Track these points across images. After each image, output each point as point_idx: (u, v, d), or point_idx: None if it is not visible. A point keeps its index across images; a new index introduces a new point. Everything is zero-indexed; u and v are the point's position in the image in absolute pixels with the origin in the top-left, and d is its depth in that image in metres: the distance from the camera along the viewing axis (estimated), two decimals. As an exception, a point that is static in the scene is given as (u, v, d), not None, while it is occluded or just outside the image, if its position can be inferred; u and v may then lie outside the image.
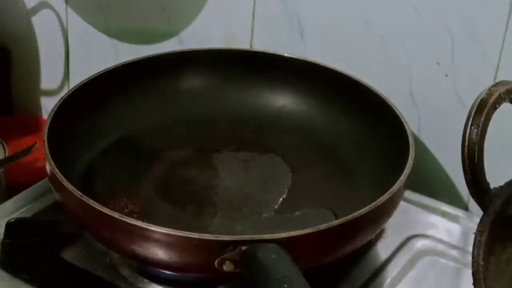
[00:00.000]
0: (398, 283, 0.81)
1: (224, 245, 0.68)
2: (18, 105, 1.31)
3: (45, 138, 0.80)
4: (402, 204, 0.80)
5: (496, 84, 0.66)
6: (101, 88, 0.92)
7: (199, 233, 0.74)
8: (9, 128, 1.25)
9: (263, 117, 0.97)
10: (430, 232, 0.87)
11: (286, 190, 0.87)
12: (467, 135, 0.65)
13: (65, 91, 1.19)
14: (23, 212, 0.87)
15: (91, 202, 0.72)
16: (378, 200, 0.74)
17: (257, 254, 0.65)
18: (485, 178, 0.66)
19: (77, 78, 1.17)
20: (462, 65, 0.89)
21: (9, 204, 0.89)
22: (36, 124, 1.27)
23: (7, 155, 1.06)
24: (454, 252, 0.85)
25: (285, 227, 0.79)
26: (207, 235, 0.69)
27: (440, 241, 0.86)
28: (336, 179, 0.88)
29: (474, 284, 0.60)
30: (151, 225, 0.70)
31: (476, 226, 0.67)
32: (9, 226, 0.82)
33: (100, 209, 0.71)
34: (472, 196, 0.67)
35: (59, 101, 0.87)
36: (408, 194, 0.85)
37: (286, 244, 0.68)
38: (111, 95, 0.94)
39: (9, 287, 0.78)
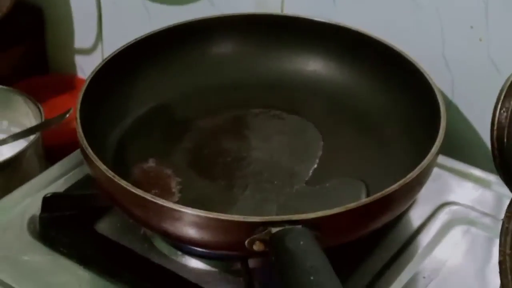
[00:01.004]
0: (430, 253, 0.81)
1: (253, 226, 0.69)
2: (53, 64, 1.32)
3: (78, 116, 0.81)
4: (434, 169, 0.80)
5: (527, 65, 0.65)
6: (133, 57, 0.92)
7: (229, 211, 0.76)
8: (45, 87, 1.27)
9: (294, 82, 0.97)
10: (462, 199, 0.87)
11: (317, 159, 0.87)
12: (496, 118, 0.64)
13: (99, 50, 1.21)
14: (59, 185, 0.89)
15: (123, 183, 0.73)
16: (408, 176, 0.73)
17: (285, 240, 0.65)
18: (514, 162, 0.65)
19: (110, 37, 1.19)
20: (497, 30, 0.87)
21: (44, 176, 0.90)
22: (71, 83, 1.29)
23: (43, 118, 1.08)
24: (486, 220, 0.85)
25: (316, 200, 0.81)
26: (236, 216, 0.70)
27: (473, 208, 0.86)
28: (367, 147, 0.88)
29: (500, 273, 0.60)
30: (181, 206, 0.71)
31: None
32: (45, 200, 0.83)
33: (132, 189, 0.72)
34: (502, 179, 0.66)
35: (91, 73, 0.87)
36: (440, 159, 0.84)
37: (315, 224, 0.69)
38: (143, 64, 0.94)
39: (47, 260, 0.80)
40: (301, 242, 0.65)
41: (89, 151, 0.76)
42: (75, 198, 0.85)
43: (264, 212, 0.80)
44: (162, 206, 0.71)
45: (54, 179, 0.90)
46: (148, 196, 0.71)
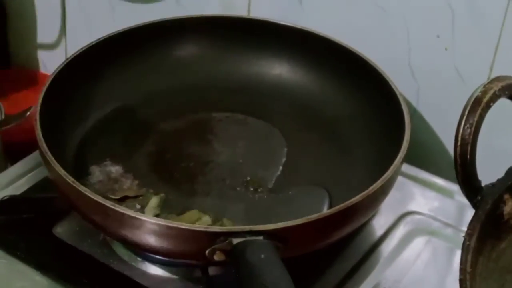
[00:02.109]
0: (391, 264, 0.81)
1: (214, 236, 0.68)
2: (15, 59, 1.30)
3: (37, 118, 0.79)
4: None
5: (491, 81, 0.65)
6: (95, 57, 0.91)
7: (190, 222, 0.75)
8: (6, 81, 1.25)
9: (259, 86, 0.96)
10: (425, 209, 0.87)
11: (281, 166, 0.86)
12: (460, 134, 0.63)
13: (62, 46, 1.19)
14: (18, 186, 0.87)
15: (82, 189, 0.71)
16: (371, 187, 0.73)
17: (246, 252, 0.65)
18: (476, 177, 0.65)
19: (74, 33, 1.17)
20: (462, 40, 0.87)
21: (3, 177, 0.89)
22: (34, 78, 1.27)
23: (3, 115, 1.06)
24: (448, 231, 0.85)
25: (278, 209, 0.81)
26: (197, 226, 0.70)
27: (435, 218, 0.86)
28: (331, 154, 0.88)
29: (460, 291, 0.60)
30: (141, 215, 0.70)
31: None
32: (2, 203, 0.82)
33: (91, 196, 0.71)
34: (464, 195, 0.66)
35: (52, 73, 0.86)
36: (403, 167, 0.84)
37: (277, 235, 0.68)
38: (106, 64, 0.92)
39: (3, 265, 0.78)
40: (262, 256, 0.64)
41: (49, 155, 0.75)
42: (33, 201, 0.84)
43: (226, 219, 0.79)
44: (122, 214, 0.70)
45: (12, 180, 0.88)
46: (108, 204, 0.70)
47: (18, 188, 0.87)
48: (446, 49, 0.89)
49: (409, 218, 0.86)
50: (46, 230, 0.81)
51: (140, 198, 0.81)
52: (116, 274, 0.78)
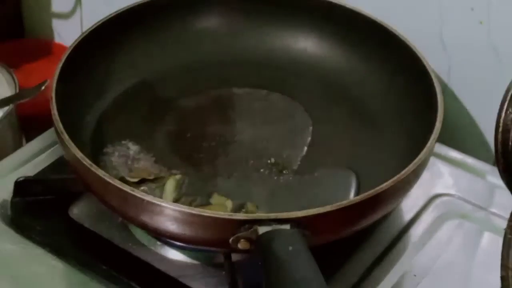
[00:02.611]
0: (421, 249, 0.78)
1: (238, 223, 0.65)
2: (29, 29, 1.26)
3: (53, 95, 0.76)
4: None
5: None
6: (113, 31, 0.87)
7: (213, 208, 0.73)
8: (20, 52, 1.22)
9: (283, 60, 0.92)
10: (455, 190, 0.83)
11: (306, 146, 0.83)
12: (502, 119, 0.59)
13: (77, 15, 1.16)
14: (32, 166, 0.84)
15: (100, 173, 0.68)
16: (403, 172, 0.69)
17: (273, 244, 0.61)
18: (519, 166, 0.62)
19: (90, 1, 1.13)
20: (498, 13, 0.83)
21: (17, 156, 0.85)
22: (48, 48, 1.23)
23: (17, 89, 1.02)
24: (480, 214, 0.81)
25: (304, 192, 0.78)
26: (221, 213, 0.66)
27: (466, 200, 0.82)
28: (359, 134, 0.84)
29: (501, 288, 0.57)
30: (162, 200, 0.67)
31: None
32: (17, 185, 0.79)
33: (109, 180, 0.67)
34: (505, 184, 0.62)
35: (68, 49, 0.82)
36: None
37: (304, 223, 0.65)
38: (124, 38, 0.89)
39: (18, 249, 0.76)
40: (291, 248, 0.61)
41: (65, 136, 0.71)
42: (48, 182, 0.80)
43: (250, 204, 0.75)
44: (142, 200, 0.66)
45: (27, 160, 0.85)
46: (126, 188, 0.67)
47: (36, 166, 0.84)
48: (481, 23, 0.84)
49: (438, 201, 0.82)
50: (63, 212, 0.79)
51: (159, 180, 0.77)
52: (135, 260, 0.75)
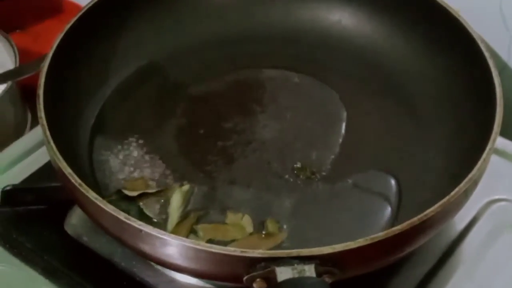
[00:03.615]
0: (476, 266, 0.67)
1: (253, 261, 0.54)
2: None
3: (41, 92, 0.64)
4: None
5: None
6: (116, 7, 0.76)
7: (227, 229, 0.64)
8: (27, 11, 1.11)
9: (313, 35, 0.80)
10: (516, 195, 0.72)
11: (339, 145, 0.71)
12: None
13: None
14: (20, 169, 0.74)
15: (92, 195, 0.57)
16: (452, 193, 0.57)
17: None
18: None
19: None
20: None
21: (6, 156, 0.75)
22: (58, 7, 1.12)
23: (17, 63, 0.92)
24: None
25: (335, 206, 0.67)
26: (231, 249, 0.55)
27: (529, 208, 0.71)
28: (401, 129, 0.72)
29: None
30: (161, 232, 0.55)
31: None
32: (5, 194, 0.69)
33: (102, 205, 0.57)
34: None
35: (65, 28, 0.71)
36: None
37: (332, 259, 0.54)
38: (129, 15, 0.78)
39: (6, 269, 0.66)
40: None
41: (52, 145, 0.60)
42: (40, 191, 0.70)
43: (270, 221, 0.64)
44: (140, 230, 0.56)
45: (15, 161, 0.75)
46: (121, 216, 0.56)
47: (25, 169, 0.74)
48: (548, -4, 0.71)
49: (495, 207, 0.71)
50: (57, 225, 0.69)
51: (163, 192, 0.66)
52: (139, 285, 0.65)
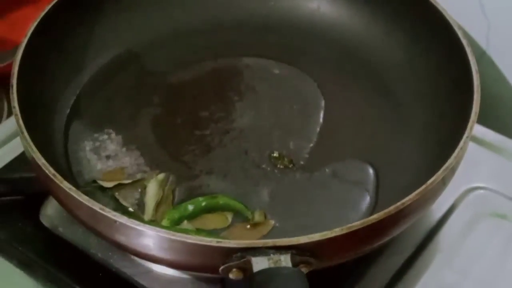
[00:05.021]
0: (453, 256, 0.67)
1: (229, 252, 0.54)
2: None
3: (14, 82, 0.63)
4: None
5: None
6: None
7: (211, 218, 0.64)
8: (3, -2, 1.09)
9: (292, 22, 0.80)
10: (493, 183, 0.72)
11: (316, 134, 0.70)
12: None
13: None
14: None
15: (65, 186, 0.57)
16: (429, 182, 0.57)
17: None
18: None
19: None
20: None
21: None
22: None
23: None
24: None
25: (313, 195, 0.66)
26: (207, 239, 0.54)
27: (506, 196, 0.71)
28: (379, 117, 0.72)
29: None
30: (137, 223, 0.55)
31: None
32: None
33: (76, 196, 0.56)
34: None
35: (39, 17, 0.70)
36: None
37: (308, 249, 0.54)
38: (105, 4, 0.77)
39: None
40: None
41: (26, 135, 0.60)
42: (15, 181, 0.69)
43: (258, 212, 0.64)
44: (114, 221, 0.55)
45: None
46: (96, 207, 0.55)
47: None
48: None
49: (473, 196, 0.71)
50: (32, 217, 0.68)
51: (139, 182, 0.66)
52: (116, 276, 0.64)
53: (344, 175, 0.67)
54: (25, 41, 0.68)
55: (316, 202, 0.65)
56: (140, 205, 0.65)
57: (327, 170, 0.67)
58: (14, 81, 0.64)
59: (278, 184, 0.66)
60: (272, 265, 0.53)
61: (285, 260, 0.53)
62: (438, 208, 0.69)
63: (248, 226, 0.64)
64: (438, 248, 0.67)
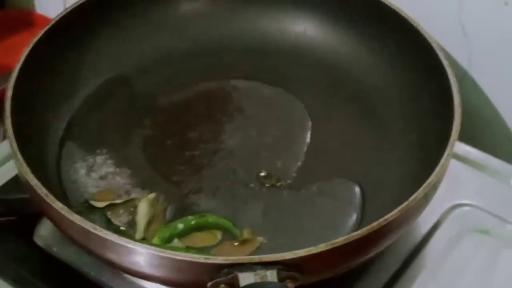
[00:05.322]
0: (437, 271, 0.68)
1: (216, 268, 0.55)
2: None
3: (7, 106, 0.65)
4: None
5: None
6: (85, 16, 0.77)
7: (200, 237, 0.65)
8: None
9: (279, 46, 0.81)
10: (477, 200, 0.73)
11: (303, 154, 0.72)
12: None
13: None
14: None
15: (58, 206, 0.58)
16: (411, 199, 0.59)
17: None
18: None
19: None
20: (527, -7, 0.71)
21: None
22: (29, 19, 1.13)
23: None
24: (506, 229, 0.70)
25: (299, 213, 0.68)
26: (195, 256, 0.56)
27: (489, 213, 0.72)
28: (364, 137, 0.73)
29: None
30: (127, 240, 0.56)
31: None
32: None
33: (67, 215, 0.58)
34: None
35: (32, 41, 0.72)
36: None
37: (294, 265, 0.55)
38: (98, 25, 0.78)
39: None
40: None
41: (19, 156, 0.61)
42: (9, 202, 0.70)
43: (247, 231, 0.66)
44: (105, 240, 0.57)
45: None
46: (88, 227, 0.57)
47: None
48: (506, 4, 0.72)
49: (457, 212, 0.72)
50: (26, 237, 0.69)
51: (130, 202, 0.67)
52: (108, 294, 0.66)
53: (330, 193, 0.69)
54: (18, 66, 0.70)
55: (303, 220, 0.66)
56: (132, 224, 0.66)
57: (314, 188, 0.69)
58: (7, 105, 0.65)
59: (266, 202, 0.68)
60: (258, 280, 0.54)
61: (271, 276, 0.54)
62: (423, 224, 0.71)
63: (237, 243, 0.66)
64: (423, 263, 0.68)
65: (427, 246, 0.69)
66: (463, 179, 0.74)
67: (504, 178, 0.74)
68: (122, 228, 0.66)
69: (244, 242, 0.65)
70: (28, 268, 0.68)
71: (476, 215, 0.72)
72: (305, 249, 0.55)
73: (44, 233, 0.70)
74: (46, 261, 0.68)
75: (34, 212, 0.69)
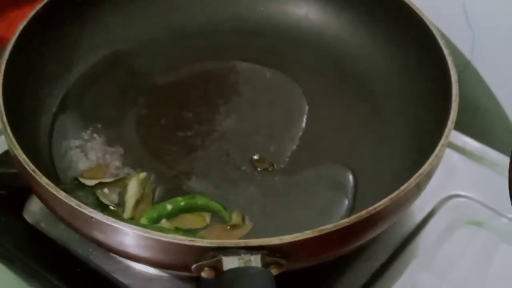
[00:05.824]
0: (429, 262, 0.67)
1: (201, 251, 0.55)
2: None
3: (1, 78, 0.65)
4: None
5: None
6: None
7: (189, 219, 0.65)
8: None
9: (280, 28, 0.80)
10: (473, 191, 0.72)
11: (298, 139, 0.71)
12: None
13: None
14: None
15: (44, 181, 0.58)
16: (402, 188, 0.58)
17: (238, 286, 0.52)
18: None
19: None
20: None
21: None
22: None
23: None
24: (502, 222, 0.70)
25: (290, 198, 0.67)
26: (180, 237, 0.55)
27: (484, 205, 0.71)
28: (360, 123, 0.73)
29: None
30: (113, 220, 0.56)
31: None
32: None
33: (53, 191, 0.57)
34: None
35: (29, 16, 0.71)
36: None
37: (279, 250, 0.55)
38: (95, 5, 0.77)
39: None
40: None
41: (8, 130, 0.61)
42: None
43: (236, 213, 0.65)
44: (90, 218, 0.56)
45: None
46: (73, 203, 0.56)
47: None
48: (510, -8, 0.72)
49: (451, 203, 0.71)
50: (15, 212, 0.69)
51: (120, 181, 0.67)
52: (95, 272, 0.66)
53: (323, 179, 0.68)
54: (14, 39, 0.69)
55: (294, 205, 0.66)
56: (121, 203, 0.66)
57: (306, 174, 0.68)
58: (0, 78, 0.65)
59: (257, 186, 0.67)
60: (242, 265, 0.54)
61: (255, 261, 0.54)
62: (417, 214, 0.70)
63: (228, 227, 0.65)
64: (415, 253, 0.68)
65: (420, 236, 0.69)
66: (460, 170, 0.74)
67: (502, 171, 0.73)
68: (111, 207, 0.65)
69: (234, 226, 0.65)
70: (15, 243, 0.68)
71: (471, 207, 0.71)
72: (291, 235, 0.55)
73: (33, 209, 0.70)
74: (34, 237, 0.68)
75: (24, 188, 0.69)
